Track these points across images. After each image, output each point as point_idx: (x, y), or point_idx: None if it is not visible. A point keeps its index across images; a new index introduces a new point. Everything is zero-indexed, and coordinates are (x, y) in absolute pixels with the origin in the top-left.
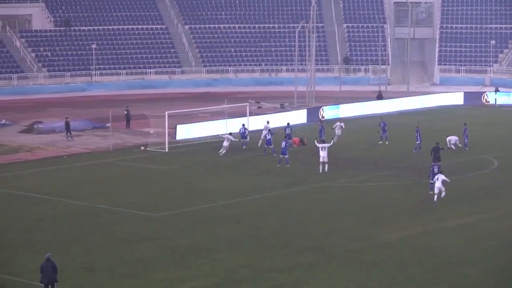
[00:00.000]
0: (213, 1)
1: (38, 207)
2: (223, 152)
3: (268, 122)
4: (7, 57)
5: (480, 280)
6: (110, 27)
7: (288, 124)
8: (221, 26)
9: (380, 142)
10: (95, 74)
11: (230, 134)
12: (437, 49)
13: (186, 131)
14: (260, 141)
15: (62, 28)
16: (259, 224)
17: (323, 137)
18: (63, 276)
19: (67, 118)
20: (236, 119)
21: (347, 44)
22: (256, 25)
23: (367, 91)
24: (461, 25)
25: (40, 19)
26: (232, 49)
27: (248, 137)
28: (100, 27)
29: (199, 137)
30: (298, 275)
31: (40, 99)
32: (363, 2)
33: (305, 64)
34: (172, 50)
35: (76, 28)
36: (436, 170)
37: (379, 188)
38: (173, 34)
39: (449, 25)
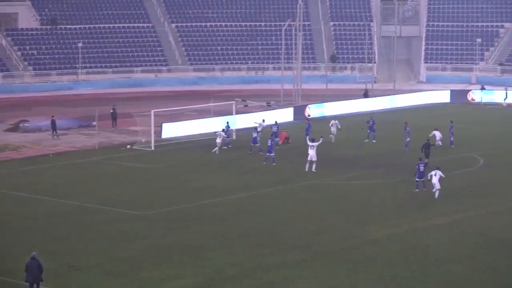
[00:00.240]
0: (199, 0)
1: (24, 206)
2: (217, 150)
3: (263, 120)
4: None
5: (467, 277)
6: (97, 26)
7: (275, 122)
8: (208, 24)
9: (366, 140)
10: (81, 72)
11: (223, 130)
12: (423, 47)
13: (172, 130)
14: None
15: (48, 27)
16: (246, 222)
17: (309, 135)
18: (49, 275)
19: (53, 116)
20: (223, 117)
21: (334, 42)
22: (243, 23)
23: (354, 89)
24: (448, 23)
25: (26, 17)
26: (219, 48)
27: (231, 136)
28: (87, 26)
29: (185, 136)
30: (285, 273)
31: (26, 98)
32: (349, 1)
33: (292, 62)
34: (158, 49)
35: (62, 26)
36: (422, 168)
37: (366, 186)
38: (159, 33)
39: (436, 23)
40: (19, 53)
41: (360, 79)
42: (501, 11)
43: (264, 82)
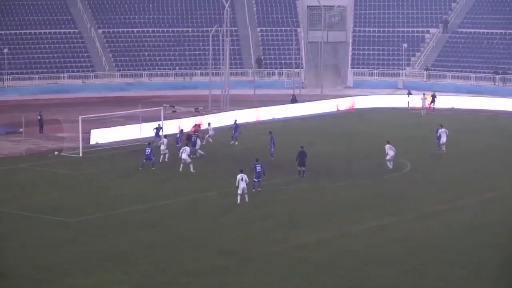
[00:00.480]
0: (126, 5)
1: None
2: (166, 158)
3: (209, 124)
4: None
5: (396, 281)
6: (23, 31)
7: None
8: (135, 30)
9: (232, 142)
10: (7, 78)
11: (165, 137)
12: (350, 53)
13: (100, 136)
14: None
15: None
16: (175, 228)
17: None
18: None
19: None
20: (151, 123)
21: (261, 47)
22: (170, 29)
23: (282, 94)
24: (374, 29)
25: None
26: (146, 53)
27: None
28: (12, 31)
29: (113, 142)
30: (214, 279)
31: None
32: (276, 6)
33: (219, 68)
34: (85, 55)
35: None
36: (258, 168)
37: (293, 191)
38: (86, 38)
39: (362, 29)
40: None
41: (288, 85)
42: (426, 17)
43: (192, 88)
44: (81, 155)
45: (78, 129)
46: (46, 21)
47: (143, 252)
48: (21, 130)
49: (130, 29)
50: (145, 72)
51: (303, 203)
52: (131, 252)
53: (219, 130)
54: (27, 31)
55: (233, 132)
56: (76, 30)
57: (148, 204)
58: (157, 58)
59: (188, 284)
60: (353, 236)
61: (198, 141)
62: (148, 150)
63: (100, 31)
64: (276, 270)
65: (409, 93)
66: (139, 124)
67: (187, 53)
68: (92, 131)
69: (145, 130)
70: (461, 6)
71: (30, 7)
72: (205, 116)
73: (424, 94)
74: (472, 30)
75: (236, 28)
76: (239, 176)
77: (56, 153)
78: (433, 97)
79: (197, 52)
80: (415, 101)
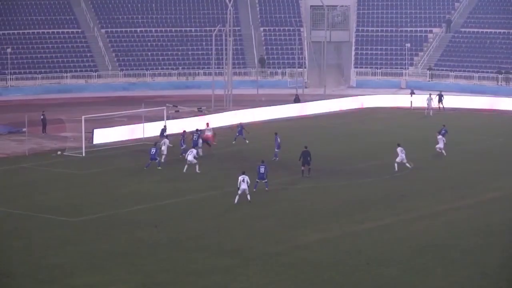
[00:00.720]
0: (129, 5)
1: None
2: (162, 159)
3: (207, 125)
4: None
5: (398, 281)
6: (26, 31)
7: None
8: (138, 30)
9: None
10: (10, 78)
11: (167, 137)
12: (353, 52)
13: (103, 136)
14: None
15: None
16: (178, 228)
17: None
18: None
19: None
20: (153, 123)
21: (264, 47)
22: (173, 29)
23: (285, 94)
24: (377, 28)
25: None
26: (149, 53)
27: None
28: (15, 31)
29: (116, 141)
30: (217, 279)
31: None
32: (279, 6)
33: (222, 68)
34: (88, 54)
35: None
36: (262, 169)
37: (297, 190)
38: (89, 38)
39: (365, 28)
40: None
41: (291, 84)
42: (429, 16)
43: (195, 87)
44: (84, 154)
45: (81, 128)
46: (49, 21)
47: (146, 251)
48: (24, 129)
49: (133, 29)
50: (148, 72)
51: (305, 202)
52: (134, 252)
53: (219, 130)
54: (30, 31)
55: (237, 134)
56: (79, 30)
57: (151, 204)
58: (160, 58)
59: (191, 283)
60: (356, 235)
61: (200, 141)
62: (153, 151)
63: (103, 30)
64: (279, 270)
65: (412, 93)
66: (142, 124)
67: (190, 52)
68: (95, 130)
69: (148, 130)
70: (464, 5)
71: (33, 7)
72: (207, 116)
73: (430, 95)
74: (475, 30)
75: (239, 28)
76: (240, 178)
77: (59, 152)
78: (440, 96)
79: (200, 52)
80: (419, 101)
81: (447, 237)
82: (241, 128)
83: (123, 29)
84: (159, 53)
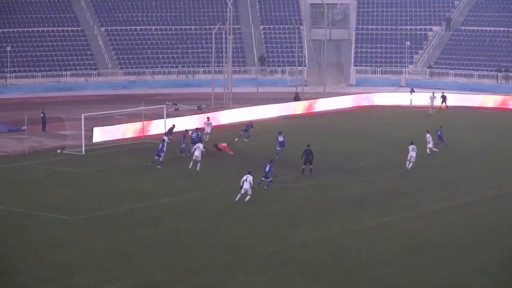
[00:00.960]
0: (129, 3)
1: None
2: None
3: (208, 118)
4: None
5: (397, 279)
6: (25, 29)
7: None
8: (138, 28)
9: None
10: (10, 76)
11: (166, 135)
12: (353, 50)
13: (103, 134)
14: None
15: None
16: (178, 226)
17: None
18: None
19: None
20: (154, 121)
21: (264, 45)
22: (173, 27)
23: (285, 92)
24: (377, 27)
25: None
26: (149, 51)
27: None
28: (15, 29)
29: (116, 139)
30: (217, 277)
31: None
32: (279, 4)
33: (222, 66)
34: (88, 52)
35: None
36: (267, 168)
37: (296, 188)
38: (89, 36)
39: (365, 27)
40: None
41: (291, 83)
42: (429, 15)
43: (195, 85)
44: (83, 153)
45: (80, 127)
46: (49, 19)
47: (146, 250)
48: (24, 128)
49: (133, 27)
50: (147, 70)
51: (305, 200)
52: (133, 250)
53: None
54: (30, 29)
55: (243, 131)
56: (79, 28)
57: (150, 202)
58: (160, 56)
59: (190, 282)
60: (356, 233)
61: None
62: (159, 146)
63: (103, 29)
64: (279, 268)
65: (412, 91)
66: (141, 122)
67: (189, 50)
68: (94, 129)
69: (147, 128)
70: (464, 3)
71: (33, 5)
72: (208, 114)
73: (433, 93)
74: (475, 28)
75: (239, 26)
76: (244, 177)
77: (58, 151)
78: (444, 97)
79: (200, 50)
80: (421, 99)
81: (446, 236)
82: (248, 126)
83: (123, 27)
84: (159, 51)
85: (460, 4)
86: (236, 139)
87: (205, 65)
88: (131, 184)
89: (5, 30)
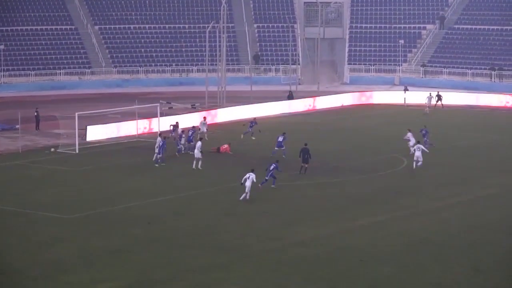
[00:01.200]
0: (122, 2)
1: None
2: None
3: (204, 118)
4: None
5: (392, 278)
6: (19, 28)
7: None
8: (131, 26)
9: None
10: (3, 75)
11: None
12: (347, 49)
13: (96, 132)
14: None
15: None
16: (173, 224)
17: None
18: None
19: None
20: (147, 120)
21: (258, 44)
22: (167, 25)
23: (279, 90)
24: (371, 25)
25: None
26: (143, 50)
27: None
28: (9, 28)
29: (110, 138)
30: (213, 276)
31: None
32: (273, 2)
33: (216, 64)
34: (82, 51)
35: None
36: (271, 167)
37: (292, 187)
38: (82, 35)
39: (359, 25)
40: None
41: (285, 81)
42: (423, 13)
43: (189, 84)
44: (77, 151)
45: (74, 125)
46: (43, 17)
47: (141, 248)
48: (17, 126)
49: (126, 26)
50: (141, 69)
51: (301, 199)
52: (128, 249)
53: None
54: (24, 28)
55: (249, 128)
56: (73, 27)
57: (145, 200)
58: (154, 54)
59: (187, 280)
60: (351, 232)
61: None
62: (160, 143)
63: (96, 27)
64: (275, 267)
65: (406, 89)
66: (135, 121)
67: (183, 49)
68: (88, 127)
69: (141, 127)
70: (457, 2)
71: (27, 3)
72: (202, 112)
73: (430, 94)
74: (469, 27)
75: (233, 25)
76: (247, 175)
77: (52, 149)
78: (439, 97)
79: (193, 49)
80: (415, 98)
81: (442, 234)
82: (252, 123)
83: (117, 26)
84: (153, 49)
85: (454, 2)
86: (241, 136)
87: (199, 63)
88: (125, 183)
89: None
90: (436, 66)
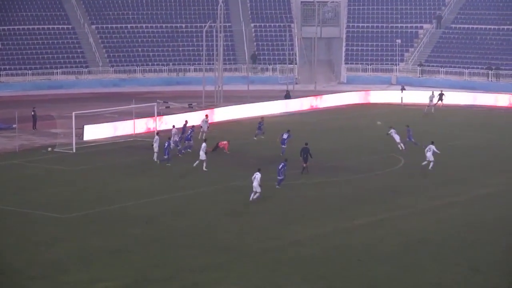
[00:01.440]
0: (119, 1)
1: None
2: (155, 157)
3: (207, 116)
4: None
5: (390, 277)
6: (16, 27)
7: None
8: (128, 25)
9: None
10: (0, 74)
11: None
12: (344, 48)
13: (93, 132)
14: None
15: None
16: (171, 224)
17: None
18: None
19: None
20: (144, 119)
21: (255, 43)
22: (164, 25)
23: (276, 90)
24: (367, 24)
25: None
26: (140, 49)
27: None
28: (6, 27)
29: (107, 138)
30: (211, 275)
31: None
32: (270, 2)
33: (213, 64)
34: (79, 50)
35: None
36: (280, 166)
37: (289, 186)
38: (79, 34)
39: (356, 24)
40: None
41: (282, 80)
42: (420, 12)
43: (186, 83)
44: (74, 151)
45: (71, 125)
46: (40, 17)
47: (139, 248)
48: (14, 126)
49: (123, 25)
50: (138, 68)
51: (299, 199)
52: (126, 248)
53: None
54: (21, 27)
55: (258, 129)
56: (70, 26)
57: (142, 200)
58: (151, 54)
59: (184, 280)
60: (348, 231)
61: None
62: (165, 144)
63: (93, 26)
64: (272, 266)
65: (403, 89)
66: (132, 120)
67: (180, 49)
68: (85, 127)
69: (138, 126)
70: (454, 1)
71: (23, 2)
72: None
73: (433, 92)
74: (466, 26)
75: (229, 24)
76: (254, 175)
77: (49, 149)
78: (440, 96)
79: (190, 48)
80: (412, 97)
81: (440, 234)
82: (260, 124)
83: (114, 25)
84: (150, 49)
85: (451, 2)
86: (254, 138)
87: (196, 63)
88: (123, 182)
89: None
90: (433, 66)
